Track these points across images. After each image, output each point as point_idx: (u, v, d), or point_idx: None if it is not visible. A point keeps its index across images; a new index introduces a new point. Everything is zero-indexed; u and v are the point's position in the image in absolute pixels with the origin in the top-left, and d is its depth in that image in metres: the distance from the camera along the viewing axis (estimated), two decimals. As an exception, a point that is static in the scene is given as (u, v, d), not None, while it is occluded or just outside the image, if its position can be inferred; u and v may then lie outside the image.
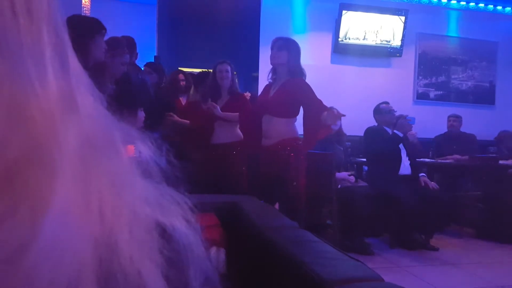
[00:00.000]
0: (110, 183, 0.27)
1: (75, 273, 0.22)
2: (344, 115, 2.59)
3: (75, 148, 0.25)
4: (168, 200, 0.31)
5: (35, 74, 0.25)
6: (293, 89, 2.65)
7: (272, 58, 2.75)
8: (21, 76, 0.24)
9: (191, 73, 4.26)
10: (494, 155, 4.59)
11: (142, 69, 3.65)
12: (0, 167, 0.22)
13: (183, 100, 3.94)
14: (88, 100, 0.29)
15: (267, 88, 2.89)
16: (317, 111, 2.61)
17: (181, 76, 3.94)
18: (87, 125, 0.27)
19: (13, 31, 0.24)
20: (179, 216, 0.30)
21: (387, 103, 4.10)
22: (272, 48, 2.76)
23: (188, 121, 3.58)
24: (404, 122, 3.92)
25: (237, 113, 3.15)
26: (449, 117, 4.92)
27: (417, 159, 4.11)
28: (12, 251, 0.21)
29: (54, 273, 0.21)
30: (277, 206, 2.63)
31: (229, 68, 3.32)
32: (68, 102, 0.26)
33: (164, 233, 0.28)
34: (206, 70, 3.72)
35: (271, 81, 2.83)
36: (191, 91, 3.87)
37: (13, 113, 0.23)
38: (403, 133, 3.95)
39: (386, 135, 3.92)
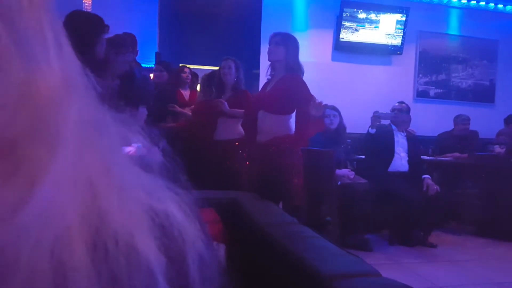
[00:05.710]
0: (102, 160, 0.28)
1: (62, 236, 0.24)
2: (325, 106, 2.56)
3: (75, 125, 0.27)
4: (164, 190, 0.31)
5: (40, 54, 0.27)
6: (287, 85, 2.57)
7: (269, 54, 2.65)
8: (28, 55, 0.26)
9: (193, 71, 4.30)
10: (493, 152, 4.59)
11: (143, 65, 3.68)
12: (7, 136, 0.24)
13: (186, 94, 3.97)
14: (82, 82, 0.30)
15: (265, 85, 2.85)
16: (308, 107, 2.52)
17: (186, 70, 3.99)
18: (85, 104, 0.29)
19: (18, 12, 0.26)
20: (175, 204, 0.30)
21: (402, 103, 4.22)
22: (269, 44, 2.66)
23: (189, 113, 3.61)
24: (373, 119, 3.94)
25: (243, 110, 3.13)
26: (462, 119, 4.87)
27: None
28: (5, 209, 0.23)
29: (42, 233, 0.23)
30: (280, 205, 2.62)
31: (232, 65, 3.32)
32: (69, 82, 0.28)
33: (160, 219, 0.29)
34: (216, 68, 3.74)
35: (269, 77, 2.76)
36: (198, 89, 3.90)
37: (22, 90, 0.25)
38: (402, 129, 4.04)
39: (378, 131, 3.97)
